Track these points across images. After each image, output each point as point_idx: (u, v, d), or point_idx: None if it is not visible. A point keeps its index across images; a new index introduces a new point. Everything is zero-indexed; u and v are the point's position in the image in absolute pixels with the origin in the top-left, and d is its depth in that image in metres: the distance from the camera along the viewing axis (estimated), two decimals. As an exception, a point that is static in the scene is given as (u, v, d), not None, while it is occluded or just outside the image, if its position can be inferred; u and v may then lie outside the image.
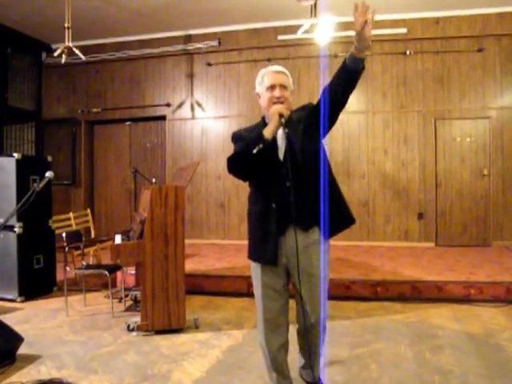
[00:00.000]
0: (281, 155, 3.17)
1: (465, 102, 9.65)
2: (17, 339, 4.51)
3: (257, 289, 3.35)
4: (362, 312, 6.01)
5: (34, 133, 11.42)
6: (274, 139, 3.11)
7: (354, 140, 10.05)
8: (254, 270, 3.33)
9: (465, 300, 6.30)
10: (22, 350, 4.54)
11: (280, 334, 3.35)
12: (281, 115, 3.04)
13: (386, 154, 9.94)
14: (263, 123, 3.28)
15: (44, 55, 11.35)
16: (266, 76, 3.28)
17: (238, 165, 3.16)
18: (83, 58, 8.61)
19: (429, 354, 4.47)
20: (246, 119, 10.44)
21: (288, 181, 3.03)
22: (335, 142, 10.00)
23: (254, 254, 3.30)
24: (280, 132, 3.14)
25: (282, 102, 3.18)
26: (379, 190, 9.96)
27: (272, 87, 3.22)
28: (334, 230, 3.18)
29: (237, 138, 3.35)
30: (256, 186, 3.29)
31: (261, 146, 2.98)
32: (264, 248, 3.18)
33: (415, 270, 7.20)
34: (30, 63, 11.21)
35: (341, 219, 3.24)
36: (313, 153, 3.18)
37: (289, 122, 3.11)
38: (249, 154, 3.00)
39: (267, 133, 3.03)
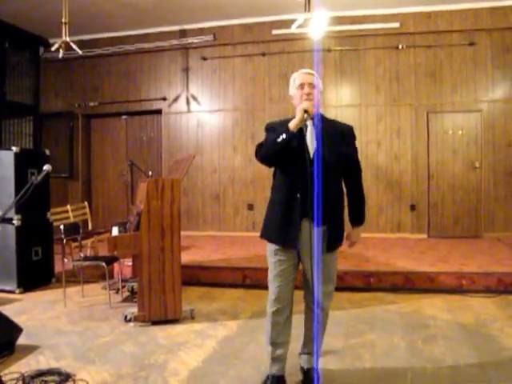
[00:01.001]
0: (311, 152, 3.46)
1: (457, 95, 9.73)
2: (16, 330, 4.54)
3: (272, 268, 3.60)
4: (355, 302, 6.08)
5: (31, 126, 11.41)
6: (302, 135, 3.39)
7: (348, 133, 10.09)
8: (272, 251, 3.58)
9: (457, 290, 6.37)
10: (21, 340, 4.57)
11: (285, 309, 3.60)
12: (305, 111, 3.35)
13: (379, 146, 10.04)
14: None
15: (42, 50, 11.36)
16: (297, 78, 3.61)
17: (264, 151, 3.47)
18: (80, 52, 8.68)
19: (421, 344, 4.55)
20: (240, 113, 10.56)
21: (312, 177, 3.34)
22: None
23: (276, 237, 3.56)
24: (309, 129, 3.50)
25: (310, 99, 3.49)
26: (372, 182, 10.04)
27: (302, 86, 3.54)
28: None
29: (268, 128, 3.67)
30: (284, 176, 3.56)
31: (284, 136, 3.31)
32: (287, 232, 3.47)
33: (408, 261, 7.28)
34: (27, 58, 11.20)
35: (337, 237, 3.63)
36: (341, 159, 3.55)
37: (324, 125, 3.52)
38: (274, 143, 3.36)
39: (292, 126, 3.35)
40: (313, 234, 3.33)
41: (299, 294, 3.75)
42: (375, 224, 10.05)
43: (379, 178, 10.03)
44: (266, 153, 3.45)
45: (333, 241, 3.53)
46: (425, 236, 9.83)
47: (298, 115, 3.35)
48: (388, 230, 10.01)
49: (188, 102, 11.02)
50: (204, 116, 10.98)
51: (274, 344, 3.62)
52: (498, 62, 9.57)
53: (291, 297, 3.62)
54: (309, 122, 3.48)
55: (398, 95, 9.98)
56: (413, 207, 9.90)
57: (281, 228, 3.50)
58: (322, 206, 3.34)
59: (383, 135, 10.03)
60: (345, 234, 3.70)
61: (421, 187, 9.87)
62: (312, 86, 3.52)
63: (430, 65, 9.84)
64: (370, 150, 10.04)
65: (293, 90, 3.64)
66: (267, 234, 3.63)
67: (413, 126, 9.91)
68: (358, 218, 3.74)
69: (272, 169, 3.73)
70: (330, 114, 9.67)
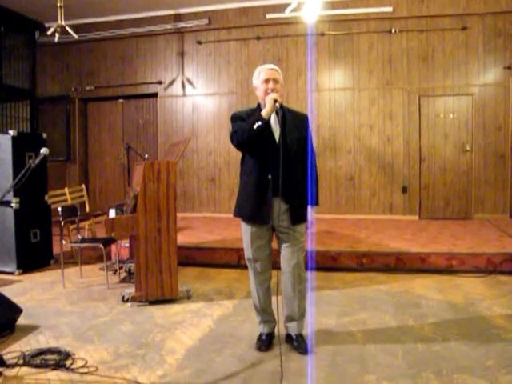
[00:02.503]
0: (277, 138, 3.89)
1: (448, 79, 9.80)
2: (16, 310, 4.61)
3: (248, 243, 4.04)
4: (348, 282, 6.17)
5: (28, 110, 11.38)
6: (269, 123, 3.82)
7: (341, 116, 10.20)
8: (247, 229, 4.03)
9: (447, 271, 6.49)
10: (21, 320, 4.64)
11: (266, 280, 4.12)
12: (275, 101, 3.77)
13: (372, 129, 10.10)
14: (259, 109, 3.95)
15: (37, 34, 11.31)
16: (262, 72, 4.00)
17: (240, 137, 3.79)
18: (76, 36, 8.71)
19: (412, 323, 4.65)
20: (235, 96, 10.63)
21: (280, 159, 3.74)
22: (322, 118, 10.17)
23: (250, 215, 3.97)
24: (273, 118, 3.88)
25: (276, 92, 3.88)
26: (365, 165, 10.13)
27: (267, 81, 3.93)
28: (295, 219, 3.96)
29: (236, 117, 4.00)
30: (254, 161, 3.92)
31: (260, 123, 3.70)
32: (259, 211, 3.89)
33: (399, 241, 7.37)
34: (23, 42, 11.12)
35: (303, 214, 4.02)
36: (301, 144, 3.96)
37: (285, 115, 3.94)
38: (250, 129, 3.71)
39: (264, 113, 3.75)
40: (283, 210, 3.88)
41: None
42: (367, 206, 10.16)
43: (371, 161, 10.11)
44: (243, 138, 3.78)
45: (297, 215, 3.93)
46: (416, 218, 9.94)
47: (269, 104, 3.77)
48: (380, 211, 10.11)
49: (183, 86, 11.07)
50: (199, 99, 11.04)
51: (261, 310, 4.16)
52: (490, 47, 9.62)
53: (270, 265, 4.09)
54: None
55: (390, 79, 10.04)
56: (404, 189, 10.00)
57: (254, 207, 3.92)
58: (289, 185, 3.85)
59: (376, 118, 10.10)
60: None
61: (412, 170, 9.97)
62: (276, 81, 3.93)
63: (423, 49, 9.88)
64: (363, 133, 10.12)
65: (257, 82, 4.04)
66: (241, 213, 4.05)
67: (405, 110, 9.98)
68: (311, 199, 4.04)
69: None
70: (324, 98, 9.93)
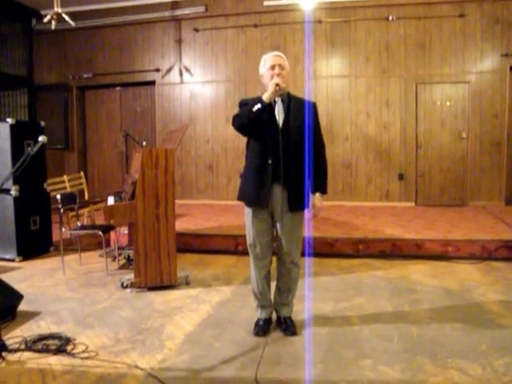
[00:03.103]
0: (280, 124, 3.92)
1: (445, 66, 9.80)
2: (17, 297, 4.66)
3: (251, 229, 4.07)
4: (344, 268, 6.24)
5: (26, 98, 11.40)
6: (272, 109, 3.90)
7: (338, 103, 10.22)
8: (248, 213, 4.08)
9: (442, 257, 6.56)
10: (22, 306, 4.69)
11: (265, 266, 4.15)
12: (277, 84, 3.76)
13: (369, 117, 10.12)
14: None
15: (34, 21, 11.28)
16: (267, 59, 4.01)
17: (240, 120, 3.87)
18: (73, 24, 8.69)
19: (408, 308, 4.72)
20: (233, 84, 10.64)
21: (281, 145, 3.82)
22: (319, 106, 9.90)
23: (250, 199, 4.04)
24: (278, 104, 3.94)
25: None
26: (361, 152, 10.18)
27: (272, 67, 3.94)
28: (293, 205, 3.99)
29: (243, 103, 4.02)
30: (257, 146, 3.98)
31: (259, 105, 3.73)
32: (259, 194, 3.93)
33: (395, 228, 7.42)
34: (19, 30, 11.09)
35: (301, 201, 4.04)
36: (304, 131, 3.92)
37: (290, 101, 3.99)
38: (250, 112, 3.76)
39: (265, 97, 3.77)
40: (283, 195, 3.92)
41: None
42: (364, 192, 10.22)
43: (368, 148, 10.15)
44: (243, 120, 3.85)
45: (295, 201, 3.96)
46: (412, 204, 10.00)
47: (271, 88, 3.77)
48: (376, 198, 10.17)
49: (181, 74, 11.06)
50: (197, 87, 11.04)
51: (259, 295, 4.20)
52: (487, 34, 9.61)
53: (270, 252, 4.13)
54: (278, 99, 3.93)
55: (387, 66, 10.04)
56: (401, 176, 10.04)
57: (255, 191, 3.97)
58: (289, 170, 3.84)
59: (373, 106, 10.12)
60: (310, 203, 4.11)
61: (409, 157, 10.01)
62: (282, 67, 3.94)
63: (420, 36, 9.87)
64: (360, 121, 10.15)
65: (263, 70, 4.05)
66: (243, 197, 4.10)
67: (402, 97, 9.99)
68: (318, 186, 4.11)
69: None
70: (321, 85, 9.94)
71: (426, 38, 9.87)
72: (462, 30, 9.72)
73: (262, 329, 4.15)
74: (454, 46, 9.77)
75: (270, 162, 3.87)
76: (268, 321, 4.24)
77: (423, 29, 9.86)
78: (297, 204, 3.98)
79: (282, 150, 3.81)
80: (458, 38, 9.75)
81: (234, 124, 3.93)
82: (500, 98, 9.63)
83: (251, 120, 3.79)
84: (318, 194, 4.09)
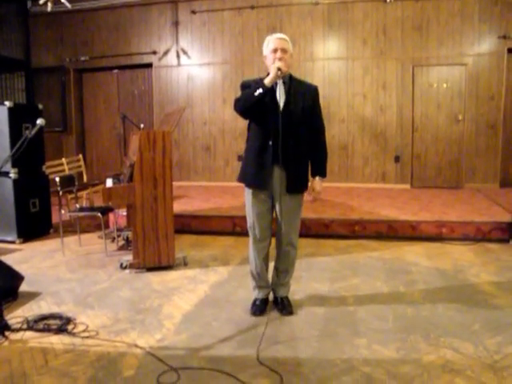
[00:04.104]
0: (281, 106, 3.91)
1: (442, 49, 9.78)
2: (18, 278, 4.70)
3: (251, 211, 4.10)
4: (340, 249, 6.30)
5: (24, 81, 11.38)
6: (273, 91, 3.87)
7: (335, 85, 10.22)
8: (248, 194, 4.10)
9: (437, 238, 6.63)
10: (23, 287, 4.74)
11: (264, 248, 4.20)
12: (279, 69, 3.75)
13: (365, 99, 10.14)
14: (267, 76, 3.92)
15: (29, 3, 11.22)
16: (270, 41, 3.97)
17: (242, 104, 3.87)
18: (69, 6, 8.67)
19: (402, 289, 4.79)
20: (230, 66, 10.62)
21: (281, 127, 3.81)
22: None
23: (250, 180, 4.06)
24: (280, 87, 3.92)
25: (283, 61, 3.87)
26: (358, 134, 10.20)
27: (275, 50, 3.91)
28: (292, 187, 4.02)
29: (244, 85, 4.03)
30: (258, 127, 4.00)
31: (261, 90, 3.73)
32: (259, 176, 3.97)
33: (391, 210, 7.47)
34: (15, 11, 11.00)
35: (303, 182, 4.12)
36: (305, 113, 3.98)
37: (292, 84, 4.00)
38: (251, 96, 3.77)
39: (267, 81, 3.76)
40: (282, 177, 3.94)
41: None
42: (360, 174, 10.26)
43: (365, 130, 10.18)
44: (245, 104, 3.86)
45: (294, 183, 4.00)
46: (408, 186, 10.06)
47: (273, 72, 3.76)
48: (373, 180, 10.22)
49: (178, 56, 11.04)
50: (194, 69, 11.03)
51: (257, 276, 4.25)
52: (486, 16, 9.57)
53: (269, 234, 4.16)
54: (279, 81, 3.90)
55: (384, 48, 10.02)
56: (397, 158, 10.08)
57: (255, 172, 4.00)
58: (288, 153, 3.88)
59: (369, 88, 10.12)
60: (309, 185, 4.16)
61: (405, 139, 10.04)
62: (284, 50, 3.90)
63: (417, 18, 9.84)
64: (356, 103, 10.16)
65: (266, 51, 4.01)
66: (243, 178, 4.13)
67: (398, 79, 9.99)
68: (318, 170, 4.14)
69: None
70: (318, 67, 9.95)
71: (424, 19, 9.83)
72: (459, 11, 9.68)
73: (260, 308, 4.21)
74: (452, 27, 9.73)
75: (270, 143, 3.89)
76: (265, 301, 4.31)
77: (420, 10, 9.82)
78: (295, 186, 4.02)
79: (282, 132, 3.81)
80: (455, 20, 9.71)
81: (235, 108, 3.94)
82: (497, 80, 9.63)
83: (253, 104, 3.81)
84: (317, 178, 4.11)
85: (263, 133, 3.94)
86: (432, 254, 6.04)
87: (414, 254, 6.05)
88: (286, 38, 3.98)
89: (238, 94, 4.03)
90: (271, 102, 3.88)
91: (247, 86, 3.95)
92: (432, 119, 9.97)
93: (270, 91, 3.83)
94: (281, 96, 3.93)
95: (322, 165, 4.14)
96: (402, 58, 9.96)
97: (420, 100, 9.98)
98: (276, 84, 3.89)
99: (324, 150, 4.15)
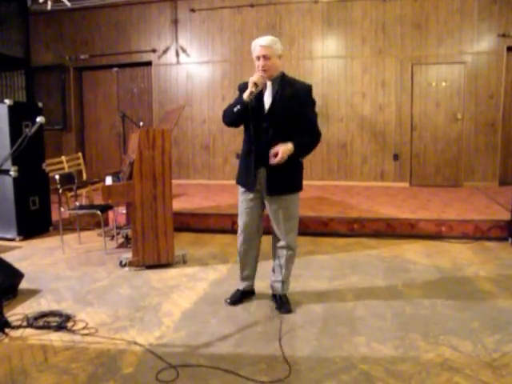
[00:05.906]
0: (267, 108, 3.95)
1: (441, 47, 9.78)
2: (18, 275, 4.72)
3: (240, 206, 4.24)
4: (339, 247, 6.31)
5: (23, 80, 11.36)
6: (261, 94, 3.92)
7: (333, 84, 10.22)
8: (240, 195, 4.23)
9: (436, 237, 6.64)
10: (23, 285, 4.76)
11: (251, 249, 4.35)
12: (255, 84, 3.77)
13: (364, 97, 10.13)
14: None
15: (30, 1, 11.18)
16: (254, 48, 3.94)
17: (227, 120, 4.02)
18: (69, 4, 8.67)
19: (401, 287, 4.80)
20: (229, 64, 10.62)
21: (267, 129, 3.91)
22: (314, 86, 9.94)
23: (241, 181, 4.19)
24: (268, 89, 3.95)
25: (264, 71, 3.86)
26: (357, 132, 10.20)
27: (258, 58, 3.90)
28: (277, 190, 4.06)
29: (241, 88, 4.07)
30: (246, 132, 4.10)
31: (239, 107, 3.82)
32: (247, 178, 4.07)
33: (390, 208, 7.48)
34: (15, 10, 10.97)
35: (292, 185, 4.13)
36: (293, 114, 3.93)
37: (280, 86, 3.95)
38: (232, 113, 3.90)
39: (245, 96, 3.79)
40: (266, 179, 3.99)
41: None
42: (359, 172, 10.26)
43: (364, 129, 10.17)
44: (228, 120, 4.00)
45: (276, 185, 4.00)
46: (407, 184, 10.06)
47: (249, 87, 3.78)
48: (371, 178, 10.22)
49: (177, 54, 11.05)
50: (193, 67, 11.03)
51: (242, 266, 4.44)
52: (485, 14, 9.57)
53: (256, 230, 4.27)
54: (268, 82, 3.94)
55: (383, 47, 10.02)
56: (396, 157, 10.08)
57: (243, 174, 4.15)
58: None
59: (368, 86, 10.12)
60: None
61: (404, 137, 10.04)
62: (266, 57, 3.85)
63: (416, 16, 9.83)
64: (355, 101, 10.16)
65: (253, 56, 3.99)
66: (237, 180, 4.24)
67: (397, 78, 9.99)
68: (295, 141, 3.87)
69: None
70: (317, 65, 9.96)
71: (423, 17, 9.82)
72: (459, 9, 9.67)
73: (235, 298, 4.43)
74: (451, 26, 9.73)
75: (253, 147, 3.97)
76: (244, 293, 4.48)
77: (420, 9, 9.82)
78: (277, 189, 4.01)
79: (267, 135, 3.89)
80: (454, 18, 9.70)
81: (223, 120, 4.07)
82: (496, 79, 9.63)
83: (235, 120, 3.96)
84: (289, 143, 3.83)
85: (249, 136, 4.03)
86: (431, 252, 6.05)
87: (412, 252, 6.05)
88: (269, 42, 3.87)
89: (237, 93, 4.05)
90: (257, 106, 3.93)
91: (242, 90, 3.97)
92: (431, 117, 9.97)
93: (257, 95, 3.85)
94: (267, 99, 3.97)
95: (301, 140, 3.92)
96: (401, 56, 9.96)
97: (419, 98, 9.98)
98: (265, 86, 3.94)
99: (313, 138, 4.03)
